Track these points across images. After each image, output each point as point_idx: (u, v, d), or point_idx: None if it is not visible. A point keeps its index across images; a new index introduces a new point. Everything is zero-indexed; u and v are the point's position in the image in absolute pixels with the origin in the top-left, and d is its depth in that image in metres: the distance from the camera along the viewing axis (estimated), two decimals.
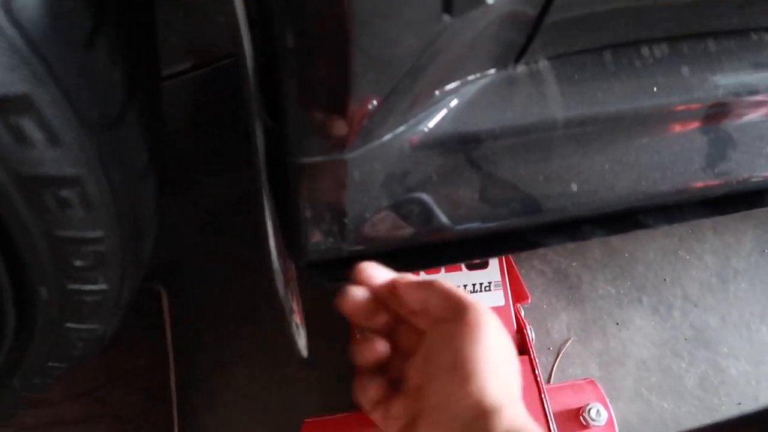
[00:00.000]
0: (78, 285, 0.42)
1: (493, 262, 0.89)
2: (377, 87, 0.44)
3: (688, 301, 1.17)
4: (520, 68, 0.55)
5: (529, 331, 0.89)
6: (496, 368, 0.38)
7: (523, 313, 0.92)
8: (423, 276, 0.52)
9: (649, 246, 1.22)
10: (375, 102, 0.45)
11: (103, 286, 0.43)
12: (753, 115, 0.62)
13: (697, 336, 1.14)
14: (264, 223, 0.46)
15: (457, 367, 0.37)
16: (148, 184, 0.45)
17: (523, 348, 0.88)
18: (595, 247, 1.21)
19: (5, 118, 0.32)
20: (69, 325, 0.45)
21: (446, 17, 0.40)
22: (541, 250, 1.19)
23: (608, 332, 1.13)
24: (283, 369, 1.00)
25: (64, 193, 0.36)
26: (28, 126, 0.33)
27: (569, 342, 1.10)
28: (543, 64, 0.56)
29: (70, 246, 0.39)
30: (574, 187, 0.59)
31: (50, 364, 0.49)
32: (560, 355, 1.08)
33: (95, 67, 0.35)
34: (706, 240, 1.24)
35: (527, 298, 0.91)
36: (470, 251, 0.60)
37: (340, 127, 0.44)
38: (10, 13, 0.28)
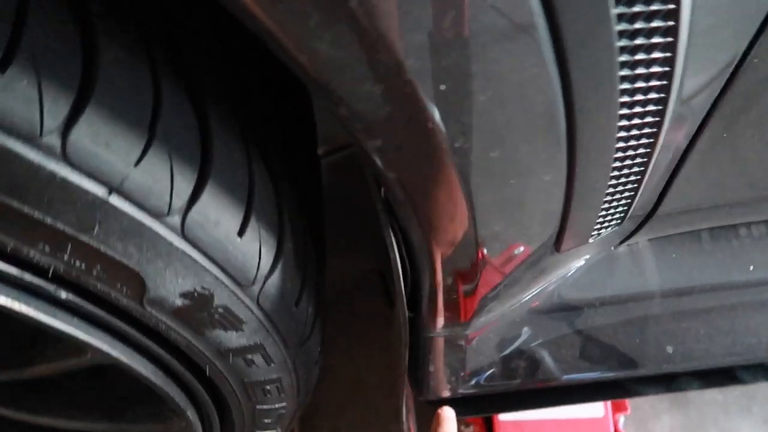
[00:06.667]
0: (265, 405, 0.58)
1: None
2: (492, 294, 0.55)
3: None
4: (621, 248, 0.63)
5: None
6: None
7: (622, 423, 0.97)
8: None
9: None
10: (491, 298, 0.56)
11: (283, 404, 0.59)
12: None
13: None
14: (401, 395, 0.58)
15: None
16: (320, 363, 0.60)
17: None
18: None
19: (244, 355, 0.47)
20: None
21: (555, 253, 0.50)
22: None
23: None
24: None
25: (268, 386, 0.52)
26: (257, 358, 0.48)
27: None
28: (643, 243, 0.64)
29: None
30: (670, 349, 0.65)
31: None
32: None
33: (299, 318, 0.50)
34: None
35: (627, 409, 0.96)
36: (571, 396, 0.68)
37: (460, 317, 0.56)
38: (257, 301, 0.44)
